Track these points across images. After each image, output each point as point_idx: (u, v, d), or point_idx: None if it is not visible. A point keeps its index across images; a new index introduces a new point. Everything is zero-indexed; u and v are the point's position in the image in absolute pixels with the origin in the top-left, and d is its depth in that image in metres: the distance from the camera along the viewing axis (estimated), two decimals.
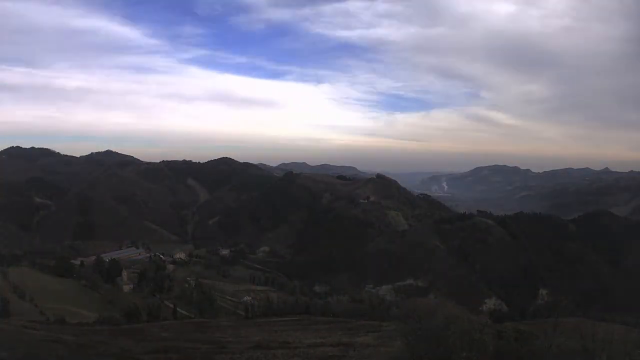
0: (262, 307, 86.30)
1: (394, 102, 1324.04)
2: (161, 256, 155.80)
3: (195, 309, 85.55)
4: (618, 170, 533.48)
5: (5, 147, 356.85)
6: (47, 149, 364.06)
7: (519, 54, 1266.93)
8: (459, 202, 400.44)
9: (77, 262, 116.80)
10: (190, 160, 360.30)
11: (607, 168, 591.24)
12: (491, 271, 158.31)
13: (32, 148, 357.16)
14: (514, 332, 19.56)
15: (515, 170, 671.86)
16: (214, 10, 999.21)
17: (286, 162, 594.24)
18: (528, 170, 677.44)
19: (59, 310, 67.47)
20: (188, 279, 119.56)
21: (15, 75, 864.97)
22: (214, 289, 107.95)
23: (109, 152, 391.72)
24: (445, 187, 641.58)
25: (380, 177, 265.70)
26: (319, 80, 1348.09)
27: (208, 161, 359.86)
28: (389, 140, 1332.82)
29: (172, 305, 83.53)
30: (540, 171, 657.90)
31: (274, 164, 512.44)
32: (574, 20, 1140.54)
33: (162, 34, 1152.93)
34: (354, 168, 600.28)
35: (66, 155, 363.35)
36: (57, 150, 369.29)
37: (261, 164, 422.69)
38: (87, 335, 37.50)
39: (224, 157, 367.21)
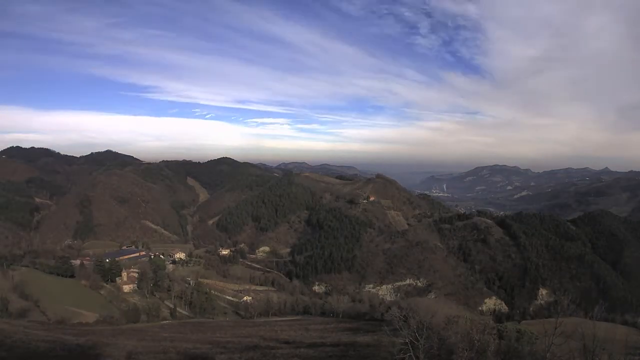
0: (262, 307, 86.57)
1: None
2: (161, 256, 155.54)
3: (195, 308, 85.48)
4: (618, 170, 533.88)
5: (5, 147, 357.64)
6: (47, 149, 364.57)
7: None
8: (459, 202, 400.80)
9: (77, 262, 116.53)
10: (190, 160, 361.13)
11: (607, 168, 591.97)
12: (491, 271, 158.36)
13: (32, 148, 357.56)
14: (514, 332, 19.59)
15: (515, 170, 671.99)
16: None
17: (286, 162, 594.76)
18: (528, 170, 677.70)
19: (59, 310, 67.43)
20: (188, 278, 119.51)
21: None
22: (214, 289, 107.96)
23: (109, 152, 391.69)
24: (445, 187, 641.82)
25: (380, 177, 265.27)
26: None
27: (208, 161, 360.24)
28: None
29: (172, 305, 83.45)
30: (540, 171, 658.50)
31: (274, 164, 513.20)
32: None
33: None
34: (354, 168, 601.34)
35: (66, 155, 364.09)
36: (57, 150, 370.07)
37: (261, 164, 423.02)
38: (87, 335, 37.51)
39: (224, 157, 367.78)
